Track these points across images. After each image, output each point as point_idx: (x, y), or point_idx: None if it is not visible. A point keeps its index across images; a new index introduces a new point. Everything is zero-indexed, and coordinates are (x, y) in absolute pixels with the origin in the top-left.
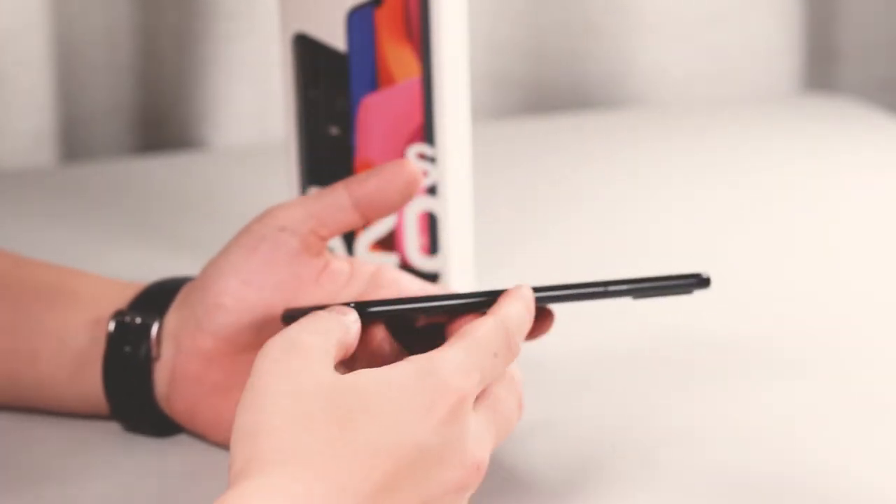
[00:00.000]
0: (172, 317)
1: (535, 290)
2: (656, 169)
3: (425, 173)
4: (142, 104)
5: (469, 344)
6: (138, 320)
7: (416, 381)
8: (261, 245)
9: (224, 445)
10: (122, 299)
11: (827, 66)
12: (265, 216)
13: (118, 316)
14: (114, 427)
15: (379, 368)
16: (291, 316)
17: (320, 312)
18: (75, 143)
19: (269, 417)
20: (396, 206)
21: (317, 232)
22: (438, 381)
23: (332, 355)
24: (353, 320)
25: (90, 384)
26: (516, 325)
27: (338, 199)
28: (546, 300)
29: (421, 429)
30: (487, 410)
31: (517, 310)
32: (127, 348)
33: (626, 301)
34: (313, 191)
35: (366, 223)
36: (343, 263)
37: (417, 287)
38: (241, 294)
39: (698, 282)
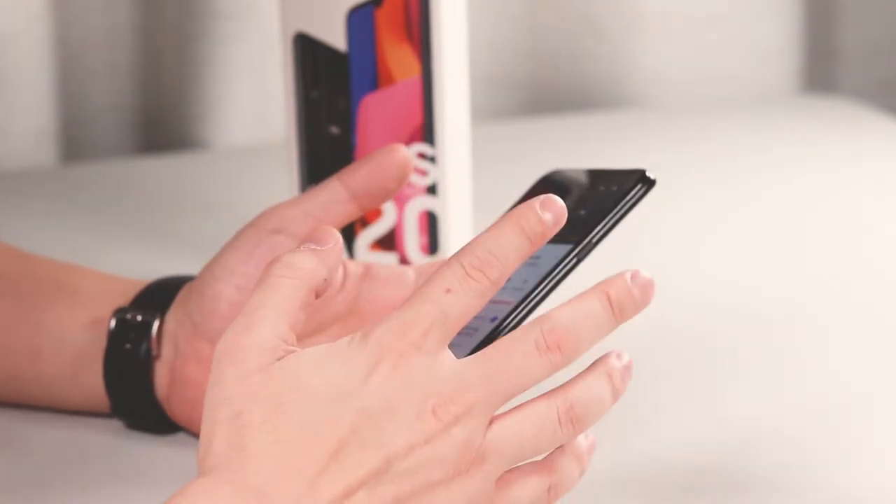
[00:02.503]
0: (171, 318)
1: (528, 297)
2: (656, 169)
3: (425, 173)
4: (142, 104)
5: (411, 297)
6: (139, 318)
7: (348, 350)
8: (256, 250)
9: None
10: (122, 297)
11: (826, 67)
12: (260, 219)
13: (119, 313)
14: (115, 424)
15: (316, 347)
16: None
17: (294, 259)
18: (75, 143)
19: (209, 428)
20: (391, 191)
21: None
22: (373, 343)
23: (281, 326)
24: (328, 252)
25: (91, 382)
26: (482, 254)
27: (333, 194)
28: (547, 294)
29: (358, 392)
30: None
31: (484, 237)
32: (127, 346)
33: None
34: None
35: (363, 213)
36: None
37: (410, 274)
38: (237, 299)
39: (648, 186)
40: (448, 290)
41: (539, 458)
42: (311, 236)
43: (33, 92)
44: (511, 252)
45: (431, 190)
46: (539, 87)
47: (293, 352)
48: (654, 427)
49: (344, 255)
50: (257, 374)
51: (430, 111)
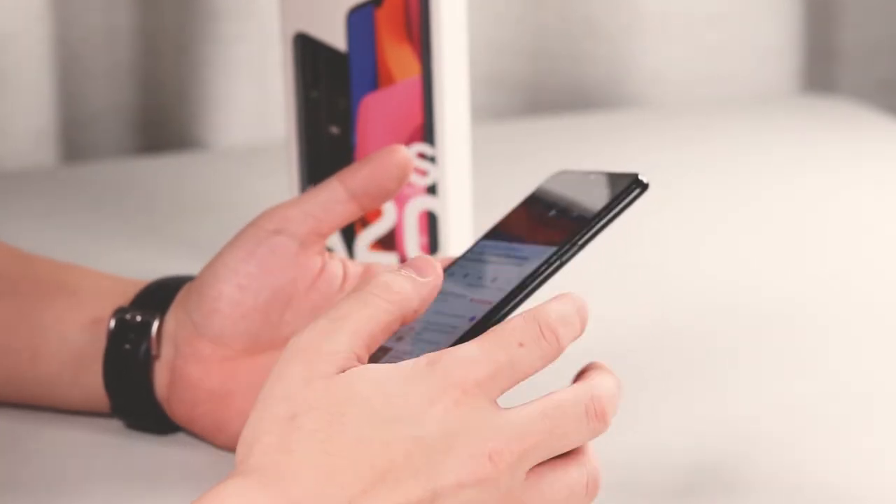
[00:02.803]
0: (171, 318)
1: (509, 297)
2: (656, 170)
3: (425, 173)
4: (142, 104)
5: (485, 338)
6: (139, 318)
7: (412, 373)
8: (257, 249)
9: (225, 449)
10: (122, 297)
11: (826, 67)
12: (260, 219)
13: (119, 313)
14: (115, 424)
15: (380, 365)
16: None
17: (393, 283)
18: (75, 143)
19: (260, 422)
20: (392, 191)
21: (316, 230)
22: (439, 373)
23: (359, 342)
24: (424, 285)
25: (91, 382)
26: (556, 318)
27: (334, 194)
28: (527, 295)
29: (419, 420)
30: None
31: (559, 304)
32: (127, 346)
33: (614, 295)
34: None
35: (363, 213)
36: (337, 265)
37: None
38: (238, 299)
39: (640, 189)
40: (521, 344)
41: None
42: (413, 264)
43: (33, 92)
44: (572, 328)
45: (431, 190)
46: (539, 88)
47: (359, 367)
48: (654, 427)
49: (344, 254)
50: (321, 381)
51: (430, 111)
